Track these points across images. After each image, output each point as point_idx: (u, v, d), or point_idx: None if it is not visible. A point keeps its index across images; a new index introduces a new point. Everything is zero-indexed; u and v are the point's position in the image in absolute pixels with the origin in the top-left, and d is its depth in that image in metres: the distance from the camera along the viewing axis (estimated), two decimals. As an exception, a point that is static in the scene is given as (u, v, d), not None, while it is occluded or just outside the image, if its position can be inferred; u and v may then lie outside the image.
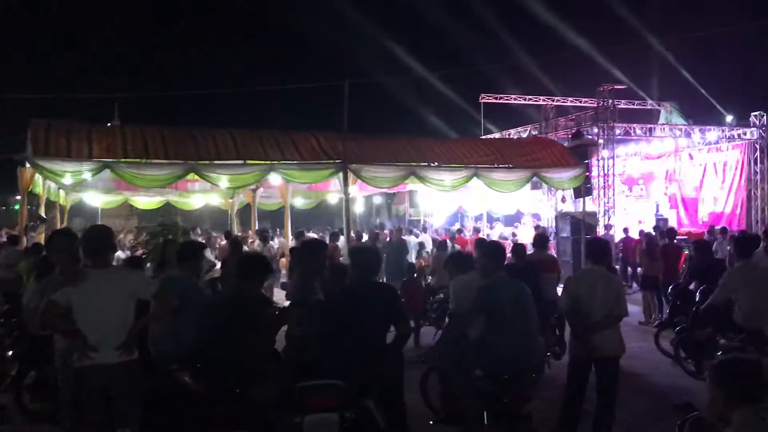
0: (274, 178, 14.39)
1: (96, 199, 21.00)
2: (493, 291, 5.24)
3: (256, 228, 19.13)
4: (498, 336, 5.05)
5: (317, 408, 4.25)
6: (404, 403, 4.97)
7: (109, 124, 18.52)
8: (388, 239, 15.82)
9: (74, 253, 5.02)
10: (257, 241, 15.47)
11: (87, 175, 12.39)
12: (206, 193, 20.95)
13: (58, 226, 18.11)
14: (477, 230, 19.00)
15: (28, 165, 12.20)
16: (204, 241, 15.59)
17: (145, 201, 22.19)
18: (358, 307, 4.73)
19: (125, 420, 4.30)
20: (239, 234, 17.49)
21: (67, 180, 12.61)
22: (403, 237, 16.26)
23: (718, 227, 16.26)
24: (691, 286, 8.87)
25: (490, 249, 5.72)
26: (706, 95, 24.10)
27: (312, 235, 18.42)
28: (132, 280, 4.59)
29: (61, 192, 17.97)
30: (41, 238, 12.27)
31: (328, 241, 15.69)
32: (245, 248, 14.28)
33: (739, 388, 2.69)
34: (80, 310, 4.34)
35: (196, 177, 13.84)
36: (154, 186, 14.48)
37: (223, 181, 13.54)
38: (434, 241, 16.32)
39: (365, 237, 16.53)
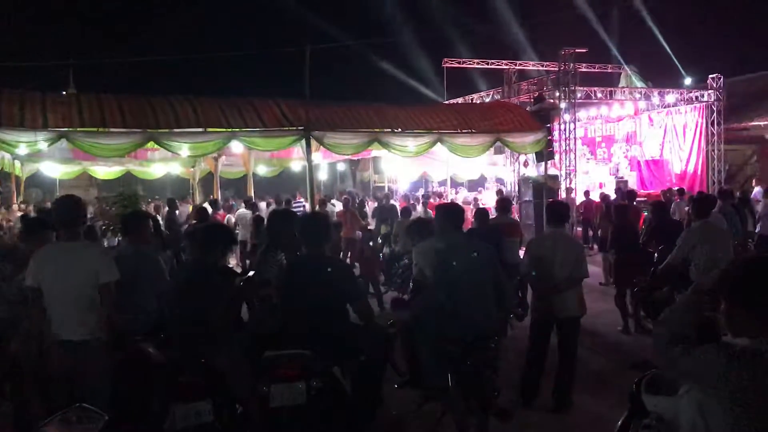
0: (236, 146, 14.21)
1: (53, 170, 20.56)
2: (448, 254, 5.09)
3: (219, 196, 18.93)
4: (454, 299, 4.93)
5: (284, 378, 4.25)
6: (381, 376, 4.99)
7: (64, 93, 18.01)
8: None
9: None
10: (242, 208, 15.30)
11: (42, 146, 12.08)
12: (167, 162, 20.60)
13: (14, 198, 17.77)
14: (439, 195, 19.03)
15: (-20, 136, 11.85)
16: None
17: (105, 171, 21.77)
18: (303, 282, 4.59)
19: (89, 398, 4.00)
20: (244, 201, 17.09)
21: (22, 150, 12.30)
22: (392, 202, 16.39)
23: (675, 189, 16.63)
24: (650, 248, 9.05)
25: (446, 211, 5.54)
26: (672, 56, 24.44)
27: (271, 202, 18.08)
28: (96, 261, 4.44)
29: (17, 162, 17.54)
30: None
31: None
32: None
33: None
34: (48, 284, 4.33)
35: (156, 146, 13.59)
36: (112, 155, 14.19)
37: (184, 149, 13.30)
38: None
39: (337, 203, 16.43)
